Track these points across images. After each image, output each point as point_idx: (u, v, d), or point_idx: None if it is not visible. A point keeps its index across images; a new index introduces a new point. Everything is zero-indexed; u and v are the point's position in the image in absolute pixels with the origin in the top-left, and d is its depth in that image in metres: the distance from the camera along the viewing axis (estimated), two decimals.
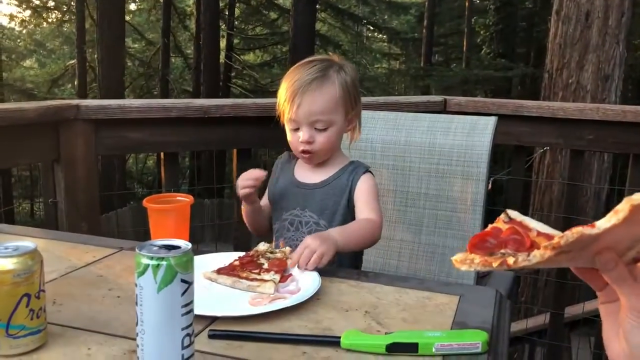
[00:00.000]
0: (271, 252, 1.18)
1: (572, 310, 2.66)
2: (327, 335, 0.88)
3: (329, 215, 1.38)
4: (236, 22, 16.35)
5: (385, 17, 18.98)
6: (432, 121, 1.72)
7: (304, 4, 11.11)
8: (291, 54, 11.55)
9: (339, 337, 0.84)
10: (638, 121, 2.10)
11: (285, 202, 1.44)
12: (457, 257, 0.54)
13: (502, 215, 0.59)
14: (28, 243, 0.82)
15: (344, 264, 1.36)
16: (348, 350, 0.84)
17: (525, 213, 0.59)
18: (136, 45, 17.68)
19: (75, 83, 15.88)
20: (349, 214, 1.38)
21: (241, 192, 1.34)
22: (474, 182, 1.64)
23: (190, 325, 0.73)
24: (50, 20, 18.57)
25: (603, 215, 0.48)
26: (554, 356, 2.46)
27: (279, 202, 1.45)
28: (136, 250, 0.72)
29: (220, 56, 14.39)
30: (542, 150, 4.31)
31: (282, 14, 15.83)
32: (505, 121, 1.90)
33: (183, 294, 0.72)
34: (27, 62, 20.21)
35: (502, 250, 0.53)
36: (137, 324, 0.72)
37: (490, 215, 1.72)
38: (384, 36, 19.14)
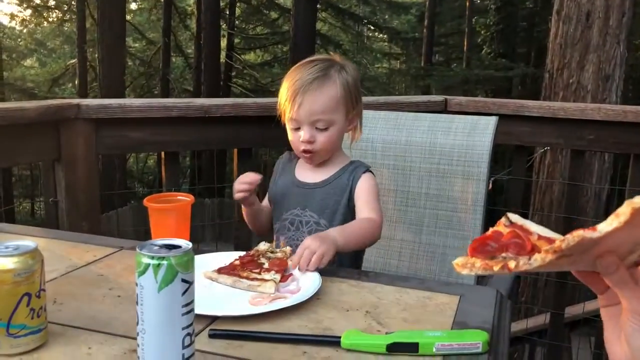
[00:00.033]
0: (272, 252, 1.18)
1: (573, 310, 2.65)
2: (327, 335, 0.88)
3: (329, 215, 1.38)
4: (237, 22, 16.35)
5: (386, 16, 18.98)
6: (432, 121, 1.72)
7: (305, 3, 11.11)
8: (292, 54, 11.55)
9: (340, 337, 0.84)
10: (639, 121, 2.10)
11: (285, 201, 1.44)
12: (458, 261, 0.54)
13: (503, 219, 0.59)
14: (29, 242, 0.82)
15: (344, 263, 1.36)
16: (348, 350, 0.84)
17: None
18: (137, 45, 17.68)
19: (76, 82, 15.88)
20: (350, 214, 1.38)
21: (236, 195, 1.35)
22: (475, 182, 1.64)
23: (191, 324, 0.73)
24: (50, 19, 18.58)
25: (603, 215, 0.48)
26: (554, 356, 2.46)
27: (280, 202, 1.45)
28: (137, 249, 0.72)
29: (221, 56, 14.39)
30: (542, 150, 4.31)
31: (283, 13, 15.83)
32: (506, 121, 1.90)
33: (184, 293, 0.72)
34: (28, 62, 20.21)
35: (503, 254, 0.53)
36: (137, 323, 0.72)
37: (490, 215, 1.72)
38: (385, 36, 19.13)
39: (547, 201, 4.40)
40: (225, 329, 0.88)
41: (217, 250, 1.25)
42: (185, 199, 1.21)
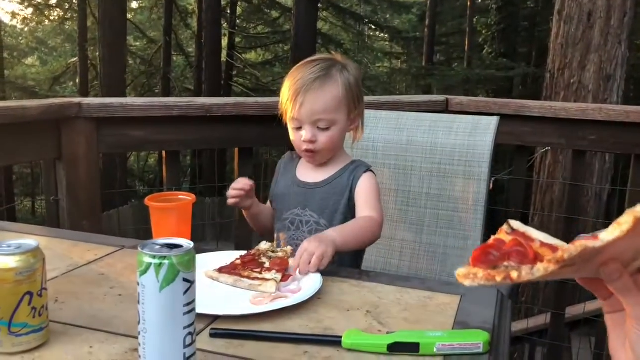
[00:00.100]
0: (273, 251, 1.18)
1: (573, 311, 2.65)
2: (328, 335, 0.88)
3: (329, 215, 1.38)
4: (238, 21, 16.35)
5: (387, 16, 18.97)
6: (434, 121, 1.72)
7: (306, 3, 11.11)
8: (293, 53, 11.55)
9: (340, 337, 0.84)
10: None
11: (286, 201, 1.44)
12: (460, 272, 0.54)
13: (505, 226, 0.59)
14: (30, 241, 0.82)
15: (344, 263, 1.36)
16: (349, 349, 0.84)
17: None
18: (138, 44, 17.67)
19: (77, 81, 15.89)
20: (350, 214, 1.37)
21: (229, 201, 1.37)
22: (476, 182, 1.64)
23: (192, 324, 0.73)
24: (52, 18, 18.57)
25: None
26: (554, 356, 2.46)
27: (281, 202, 1.45)
28: (138, 249, 0.72)
29: (222, 55, 14.39)
30: (543, 151, 4.31)
31: (284, 12, 15.83)
32: (507, 121, 1.90)
33: (185, 292, 0.72)
34: (29, 60, 20.21)
35: (506, 263, 0.53)
36: (139, 322, 0.72)
37: (491, 215, 1.72)
38: (386, 35, 19.11)
39: (547, 201, 4.40)
40: (226, 328, 0.88)
41: (217, 250, 1.26)
42: (187, 198, 1.21)
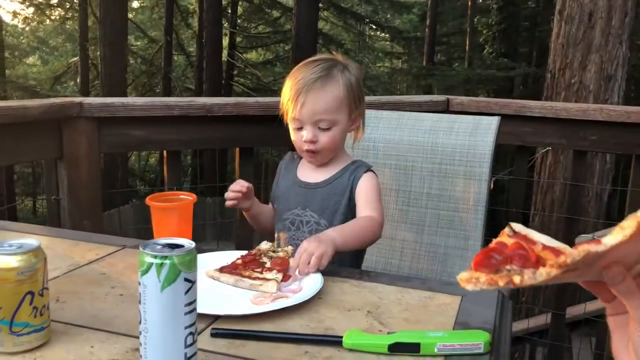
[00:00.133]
0: (273, 251, 1.18)
1: (574, 311, 2.65)
2: (329, 335, 0.88)
3: (329, 215, 1.38)
4: (239, 20, 16.34)
5: (388, 16, 18.97)
6: (434, 121, 1.72)
7: (307, 2, 11.11)
8: (294, 53, 11.55)
9: (341, 337, 0.85)
10: None
11: (287, 201, 1.44)
12: (462, 276, 0.54)
13: (507, 229, 0.59)
14: (32, 241, 0.82)
15: (344, 263, 1.36)
16: (350, 350, 0.84)
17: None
18: (138, 43, 17.68)
19: (78, 80, 15.90)
20: (351, 214, 1.37)
21: (226, 203, 1.38)
22: (477, 182, 1.64)
23: (193, 324, 0.73)
24: (53, 17, 18.58)
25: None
26: (555, 356, 2.46)
27: (282, 202, 1.45)
28: (140, 248, 0.72)
29: (223, 54, 14.39)
30: (544, 151, 4.31)
31: (285, 12, 15.82)
32: (508, 121, 1.90)
33: (186, 292, 0.72)
34: (30, 59, 20.22)
35: (508, 267, 0.53)
36: (140, 322, 0.72)
37: (491, 215, 1.72)
38: (387, 35, 19.10)
39: (548, 201, 4.40)
40: (227, 328, 0.88)
41: (218, 249, 1.26)
42: (188, 198, 1.21)
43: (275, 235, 1.46)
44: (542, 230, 0.58)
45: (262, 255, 1.16)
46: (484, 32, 14.92)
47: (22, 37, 19.77)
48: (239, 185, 1.36)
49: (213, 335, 0.87)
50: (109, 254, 1.22)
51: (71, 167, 2.02)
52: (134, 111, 2.04)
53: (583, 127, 2.20)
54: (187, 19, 16.93)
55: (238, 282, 1.06)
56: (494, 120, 1.67)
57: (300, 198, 1.42)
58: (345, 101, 1.36)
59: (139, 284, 0.72)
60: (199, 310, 0.76)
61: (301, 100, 1.32)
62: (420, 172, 1.69)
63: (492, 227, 1.74)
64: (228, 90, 14.76)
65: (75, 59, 16.18)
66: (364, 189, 1.37)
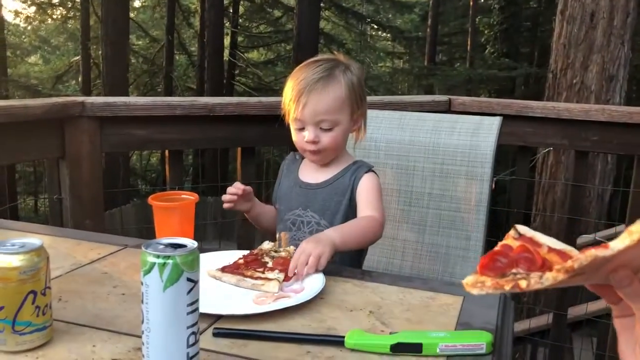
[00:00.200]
0: (275, 251, 1.18)
1: (575, 311, 2.65)
2: (331, 335, 0.88)
3: (330, 216, 1.38)
4: (240, 20, 16.35)
5: (389, 15, 18.95)
6: (436, 121, 1.72)
7: (308, 2, 11.11)
8: (295, 52, 11.55)
9: (343, 337, 0.85)
10: None
11: (288, 202, 1.44)
12: (467, 280, 0.53)
13: (512, 232, 0.58)
14: (34, 240, 0.82)
15: (345, 262, 1.36)
16: (352, 350, 0.84)
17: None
18: (140, 43, 17.67)
19: (80, 79, 15.91)
20: (352, 214, 1.37)
21: (224, 205, 1.38)
22: (478, 182, 1.63)
23: (196, 323, 0.74)
24: (55, 16, 18.58)
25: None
26: (556, 357, 2.46)
27: (283, 202, 1.45)
28: (142, 248, 0.72)
29: (224, 54, 14.39)
30: (545, 151, 4.31)
31: (286, 12, 15.83)
32: (509, 121, 1.89)
33: (189, 292, 0.72)
34: (32, 59, 20.23)
35: (514, 270, 0.53)
36: (142, 321, 0.73)
37: (492, 216, 1.72)
38: (388, 35, 19.09)
39: (549, 202, 4.40)
40: (229, 327, 0.88)
41: (219, 249, 1.26)
42: (190, 197, 1.21)
43: (277, 235, 1.46)
44: (543, 230, 0.58)
45: (264, 255, 1.16)
46: (486, 32, 14.90)
47: (24, 36, 19.78)
48: (235, 188, 1.36)
49: (215, 334, 0.87)
50: (111, 254, 1.22)
51: (73, 166, 2.02)
52: (136, 110, 2.04)
53: (585, 127, 2.20)
54: (188, 19, 16.94)
55: (240, 282, 1.06)
56: (496, 121, 1.66)
57: (301, 198, 1.42)
58: (347, 101, 1.36)
59: (142, 283, 0.72)
60: (201, 309, 0.76)
61: (303, 100, 1.32)
62: (422, 172, 1.69)
63: (494, 228, 1.74)
64: (229, 89, 14.76)
65: (77, 58, 16.19)
66: (365, 189, 1.37)
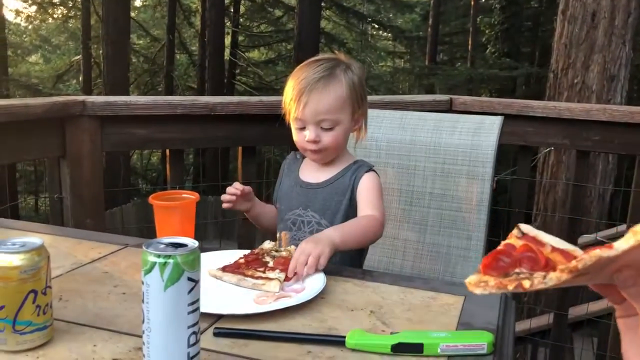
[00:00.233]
0: (276, 251, 1.18)
1: (576, 311, 2.65)
2: (332, 335, 0.88)
3: (330, 215, 1.38)
4: (241, 20, 16.35)
5: (390, 15, 18.95)
6: (437, 120, 1.72)
7: (309, 1, 11.11)
8: (296, 52, 11.55)
9: (344, 337, 0.84)
10: None
11: (289, 201, 1.44)
12: (470, 280, 0.53)
13: (515, 231, 0.58)
14: (35, 239, 0.82)
15: (345, 262, 1.36)
16: (353, 349, 0.84)
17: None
18: (141, 42, 17.67)
19: (80, 79, 15.93)
20: (352, 214, 1.37)
21: (223, 205, 1.38)
22: (480, 181, 1.63)
23: (196, 323, 0.73)
24: (55, 16, 18.59)
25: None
26: (557, 357, 2.46)
27: (284, 202, 1.45)
28: (143, 248, 0.72)
29: (225, 53, 14.40)
30: (546, 151, 4.31)
31: (287, 11, 15.83)
32: (511, 121, 1.89)
33: (189, 292, 0.72)
34: (33, 58, 20.24)
35: (517, 270, 0.52)
36: (143, 321, 0.72)
37: (493, 215, 1.71)
38: (389, 34, 19.09)
39: (550, 201, 4.39)
40: (230, 327, 0.88)
41: (220, 248, 1.26)
42: (191, 197, 1.21)
43: (278, 235, 1.46)
44: (544, 230, 0.58)
45: (265, 254, 1.16)
46: (487, 31, 14.90)
47: (24, 36, 19.79)
48: (234, 188, 1.36)
49: (216, 334, 0.87)
50: (112, 253, 1.22)
51: (74, 165, 2.02)
52: (136, 110, 2.04)
53: (586, 127, 2.20)
54: (189, 18, 16.94)
55: (241, 282, 1.06)
56: (497, 120, 1.66)
57: (301, 198, 1.41)
58: (348, 101, 1.35)
59: (142, 283, 0.72)
60: (202, 309, 0.76)
61: (304, 100, 1.32)
62: (423, 171, 1.69)
63: (495, 227, 1.74)
64: (230, 89, 14.77)
65: (78, 57, 16.20)
66: (365, 189, 1.37)
